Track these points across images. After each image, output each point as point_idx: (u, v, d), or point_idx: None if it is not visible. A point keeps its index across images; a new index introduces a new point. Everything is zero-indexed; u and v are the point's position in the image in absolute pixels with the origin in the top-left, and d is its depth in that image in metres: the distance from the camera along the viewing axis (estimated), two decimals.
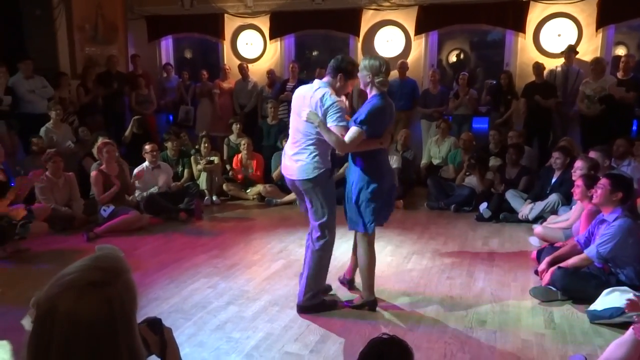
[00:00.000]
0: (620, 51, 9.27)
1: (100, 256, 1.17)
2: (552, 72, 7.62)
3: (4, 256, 4.70)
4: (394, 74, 8.24)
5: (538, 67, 7.54)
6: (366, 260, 3.54)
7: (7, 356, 2.95)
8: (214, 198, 6.91)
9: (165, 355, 1.41)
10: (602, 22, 7.58)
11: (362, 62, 3.41)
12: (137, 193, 6.12)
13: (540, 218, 5.51)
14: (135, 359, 1.12)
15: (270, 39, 9.05)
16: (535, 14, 7.87)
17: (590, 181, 4.14)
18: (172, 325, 3.27)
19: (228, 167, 7.36)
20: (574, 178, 4.74)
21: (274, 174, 7.06)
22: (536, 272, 4.09)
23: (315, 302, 3.55)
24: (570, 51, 7.46)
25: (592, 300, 3.48)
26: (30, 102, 7.16)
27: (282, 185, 6.93)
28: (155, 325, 1.41)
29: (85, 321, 1.05)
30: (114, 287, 1.10)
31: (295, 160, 3.41)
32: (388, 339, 1.62)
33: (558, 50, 7.68)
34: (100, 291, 1.08)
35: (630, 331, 2.60)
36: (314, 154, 3.34)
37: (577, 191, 4.37)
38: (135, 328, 1.15)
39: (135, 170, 6.24)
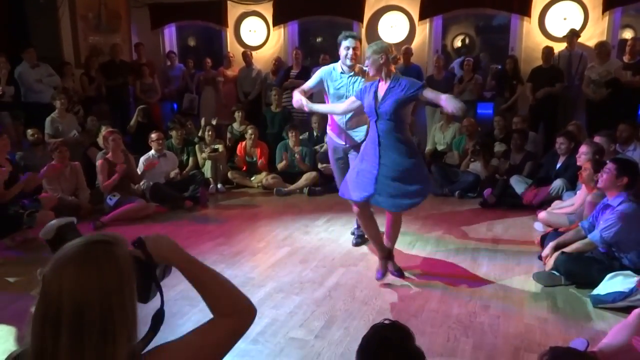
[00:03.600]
0: (627, 34, 9.17)
1: (96, 234, 1.24)
2: (554, 57, 7.53)
3: (13, 245, 4.76)
4: None
5: (548, 52, 7.42)
6: None
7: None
8: (219, 186, 6.93)
9: (151, 255, 1.35)
10: (608, 5, 7.48)
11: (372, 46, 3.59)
12: (142, 182, 6.15)
13: (544, 203, 5.51)
14: (135, 322, 1.14)
15: (274, 25, 9.01)
16: None
17: (598, 166, 4.12)
18: (179, 312, 3.34)
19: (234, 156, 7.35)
20: (579, 163, 4.73)
21: (279, 166, 7.05)
22: (540, 257, 4.10)
23: None
24: (573, 35, 7.38)
25: (595, 284, 3.49)
26: (38, 92, 7.17)
27: (285, 174, 6.95)
28: (136, 242, 1.36)
29: (93, 284, 1.08)
30: (117, 246, 1.17)
31: None
32: (389, 324, 1.64)
33: (563, 34, 7.60)
34: (106, 246, 1.15)
35: (633, 315, 2.62)
36: None
37: (583, 174, 4.36)
38: (134, 288, 1.17)
39: (143, 159, 6.27)
